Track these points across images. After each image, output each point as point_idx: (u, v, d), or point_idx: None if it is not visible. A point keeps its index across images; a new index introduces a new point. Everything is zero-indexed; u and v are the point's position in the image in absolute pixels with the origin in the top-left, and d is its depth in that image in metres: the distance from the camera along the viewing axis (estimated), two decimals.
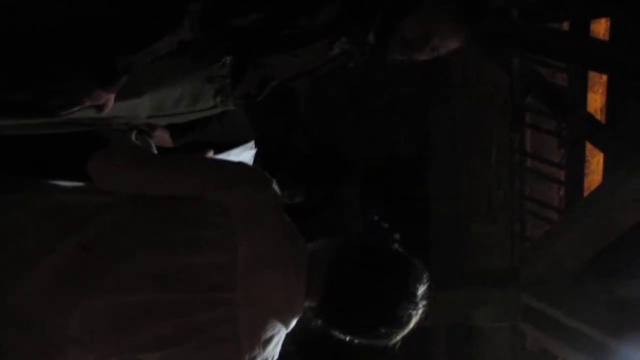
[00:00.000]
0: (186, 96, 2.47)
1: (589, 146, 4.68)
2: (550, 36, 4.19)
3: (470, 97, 5.40)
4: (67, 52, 2.26)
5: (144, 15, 2.25)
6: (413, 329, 1.85)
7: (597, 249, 3.83)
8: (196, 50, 2.38)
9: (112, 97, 2.28)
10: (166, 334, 1.73)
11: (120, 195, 1.87)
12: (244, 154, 2.91)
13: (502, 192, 5.53)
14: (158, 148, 2.30)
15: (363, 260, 1.86)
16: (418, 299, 1.81)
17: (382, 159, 5.91)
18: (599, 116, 4.63)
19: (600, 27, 4.45)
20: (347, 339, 1.87)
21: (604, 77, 4.51)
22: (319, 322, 1.88)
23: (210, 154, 2.71)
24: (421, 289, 1.83)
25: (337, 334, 1.88)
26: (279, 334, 1.85)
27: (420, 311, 1.82)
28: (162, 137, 2.62)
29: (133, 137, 2.02)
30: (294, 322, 1.87)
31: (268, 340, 1.82)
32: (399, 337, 1.84)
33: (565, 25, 4.59)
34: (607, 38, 4.42)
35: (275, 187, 1.88)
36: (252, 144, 2.97)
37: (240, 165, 2.08)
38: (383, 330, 1.82)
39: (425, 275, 1.85)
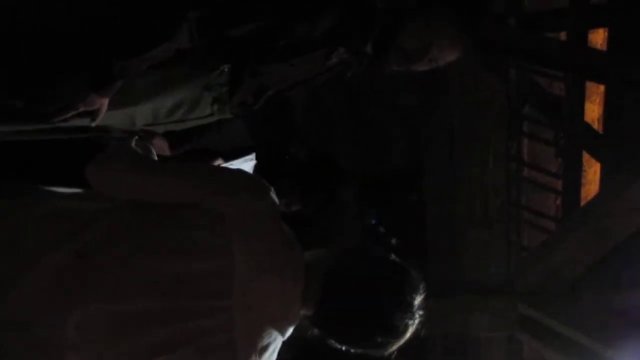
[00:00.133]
0: (184, 104, 2.48)
1: (586, 156, 4.68)
2: (548, 46, 4.20)
3: (468, 106, 5.40)
4: (64, 54, 2.26)
5: (143, 20, 2.26)
6: (409, 338, 1.85)
7: (594, 258, 3.83)
8: (194, 58, 2.38)
9: (105, 102, 2.28)
10: (162, 340, 1.73)
11: (118, 201, 1.87)
12: (245, 165, 2.91)
13: (499, 201, 5.52)
14: (158, 156, 2.30)
15: (360, 269, 1.86)
16: (415, 309, 1.82)
17: (379, 166, 5.91)
18: (596, 126, 4.63)
19: (598, 37, 4.45)
20: (343, 348, 1.87)
21: (602, 87, 4.51)
22: (315, 331, 1.88)
23: (219, 162, 2.71)
24: (418, 299, 1.83)
25: (333, 343, 1.88)
26: (275, 342, 1.85)
27: (417, 321, 1.82)
28: (161, 146, 2.62)
29: (133, 143, 2.02)
30: (290, 330, 1.88)
31: (264, 348, 1.82)
32: (395, 347, 1.84)
33: (563, 35, 4.59)
34: (604, 48, 4.42)
35: (273, 195, 1.88)
36: (252, 155, 2.97)
37: (239, 172, 2.08)
38: (379, 340, 1.82)
39: (422, 286, 1.85)
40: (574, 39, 4.32)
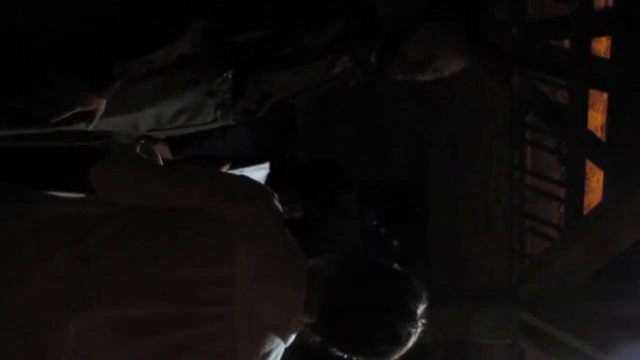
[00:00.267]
0: (187, 110, 2.47)
1: (589, 164, 4.67)
2: (552, 54, 4.20)
3: (471, 113, 5.40)
4: (64, 54, 2.25)
5: (144, 21, 2.26)
6: (412, 346, 1.85)
7: (596, 266, 3.83)
8: (198, 64, 2.38)
9: (103, 103, 2.27)
10: (163, 346, 1.73)
11: (121, 206, 1.87)
12: (257, 173, 2.91)
13: (502, 209, 5.52)
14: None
15: (363, 277, 1.86)
16: (418, 317, 1.81)
17: (381, 174, 5.91)
18: (600, 134, 4.63)
19: (602, 45, 4.45)
20: (346, 356, 1.87)
21: (605, 95, 4.50)
22: (317, 338, 1.87)
23: (226, 169, 2.71)
24: (421, 307, 1.83)
25: (335, 351, 1.87)
26: (277, 349, 1.85)
27: (419, 329, 1.82)
28: (163, 151, 2.61)
29: (138, 148, 2.02)
30: (292, 338, 1.87)
31: (266, 355, 1.82)
32: (397, 355, 1.84)
33: (567, 43, 4.59)
34: (608, 56, 4.42)
35: (277, 201, 1.88)
36: (267, 164, 2.96)
37: (242, 178, 2.08)
38: (382, 348, 1.82)
39: (424, 293, 1.85)
40: (577, 47, 4.31)
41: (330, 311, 1.83)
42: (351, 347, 1.86)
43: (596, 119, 4.64)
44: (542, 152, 5.13)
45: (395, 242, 5.74)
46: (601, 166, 4.42)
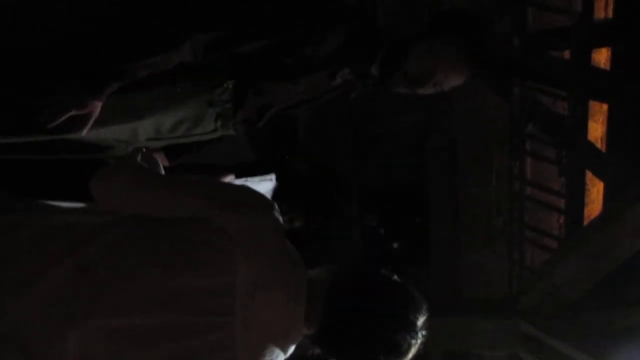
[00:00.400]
0: (187, 120, 2.47)
1: (589, 175, 4.66)
2: (552, 64, 4.20)
3: (471, 124, 5.40)
4: (63, 54, 2.25)
5: (145, 25, 2.25)
6: (412, 358, 1.84)
7: (597, 278, 3.82)
8: (199, 73, 2.38)
9: (98, 106, 2.26)
10: (163, 357, 1.73)
11: (121, 215, 1.87)
12: (261, 185, 2.90)
13: (501, 219, 5.51)
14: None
15: (363, 289, 1.86)
16: (418, 329, 1.81)
17: (381, 184, 5.90)
18: (600, 145, 4.62)
19: (602, 56, 4.45)
20: None
21: (605, 106, 4.49)
22: (317, 350, 1.87)
23: (230, 179, 2.70)
24: (421, 319, 1.83)
25: None
26: None
27: (419, 340, 1.82)
28: (160, 160, 2.61)
29: (139, 157, 2.02)
30: (292, 349, 1.87)
31: None
32: None
33: (567, 54, 4.59)
34: (608, 67, 4.42)
35: (277, 211, 1.88)
36: (272, 176, 2.96)
37: (243, 188, 2.08)
38: None
39: (424, 305, 1.85)
40: (577, 58, 4.32)
41: (330, 322, 1.82)
42: (351, 358, 1.86)
43: (596, 130, 4.63)
44: (542, 162, 5.13)
45: (395, 252, 5.73)
46: (601, 177, 4.42)
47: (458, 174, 5.54)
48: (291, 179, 3.16)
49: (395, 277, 1.90)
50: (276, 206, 1.90)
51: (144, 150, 2.18)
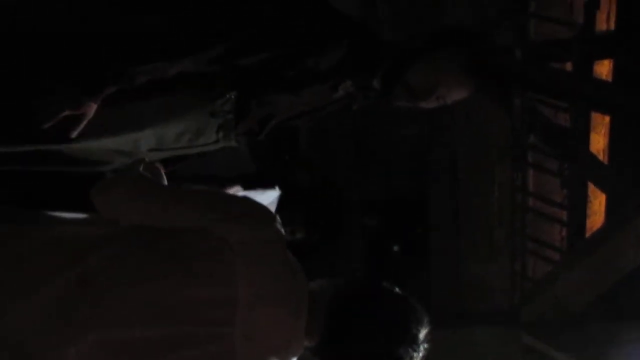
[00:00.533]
0: (189, 130, 2.47)
1: (591, 187, 4.67)
2: (554, 76, 4.21)
3: (473, 136, 5.40)
4: (62, 54, 2.24)
5: (145, 30, 2.25)
6: None
7: (599, 290, 3.82)
8: (201, 84, 2.37)
9: (93, 108, 2.24)
10: None
11: (122, 226, 1.87)
12: (266, 197, 2.89)
13: (504, 231, 5.50)
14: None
15: (365, 301, 1.85)
16: (420, 342, 1.81)
17: (383, 196, 5.90)
18: (602, 157, 4.62)
19: (604, 68, 4.45)
20: None
21: (607, 118, 4.50)
22: None
23: (236, 190, 2.70)
24: (423, 332, 1.82)
25: None
26: None
27: (421, 353, 1.81)
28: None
29: (141, 167, 2.01)
30: None
31: None
32: None
33: (569, 66, 4.60)
34: (610, 79, 4.43)
35: (278, 223, 1.87)
36: (276, 189, 2.95)
37: (244, 199, 2.08)
38: None
39: (426, 318, 1.84)
40: (579, 70, 4.32)
41: (331, 335, 1.82)
42: None
43: (598, 142, 4.64)
44: (544, 174, 5.13)
45: (396, 263, 5.73)
46: (603, 189, 4.42)
47: (460, 185, 5.53)
48: (293, 190, 3.16)
49: (397, 289, 1.89)
50: (278, 217, 1.89)
51: (146, 160, 2.17)
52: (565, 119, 4.82)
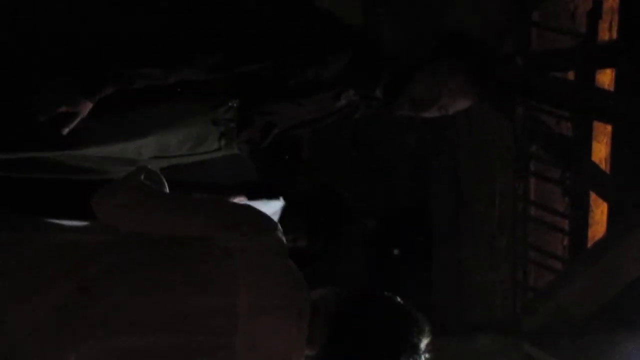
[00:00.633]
0: (191, 138, 2.47)
1: (593, 196, 4.66)
2: (556, 85, 4.21)
3: (474, 144, 5.40)
4: (62, 52, 2.23)
5: (145, 32, 2.24)
6: None
7: (601, 299, 3.81)
8: (202, 92, 2.37)
9: (88, 106, 2.23)
10: None
11: (123, 234, 1.87)
12: (270, 206, 2.89)
13: (505, 240, 5.50)
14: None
15: (366, 311, 1.85)
16: (421, 352, 1.80)
17: (385, 205, 5.90)
18: (604, 166, 4.62)
19: (606, 78, 4.46)
20: None
21: (609, 127, 4.51)
22: None
23: (240, 200, 2.69)
24: (424, 342, 1.82)
25: None
26: None
27: None
28: None
29: (142, 176, 2.00)
30: None
31: None
32: None
33: (571, 75, 4.60)
34: (612, 88, 4.43)
35: (280, 232, 1.87)
36: (280, 199, 2.95)
37: (246, 208, 2.07)
38: None
39: (428, 328, 1.84)
40: (581, 79, 4.33)
41: (332, 345, 1.82)
42: None
43: (600, 151, 4.64)
44: (546, 183, 5.12)
45: (398, 273, 5.72)
46: (605, 198, 4.42)
47: (462, 194, 5.53)
48: (294, 198, 3.15)
49: (398, 299, 1.89)
50: (279, 226, 1.89)
51: (149, 167, 2.17)
52: (567, 128, 4.83)
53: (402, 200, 5.94)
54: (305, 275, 1.89)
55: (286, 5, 2.41)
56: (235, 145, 2.57)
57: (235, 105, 2.44)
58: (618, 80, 4.35)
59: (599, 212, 4.78)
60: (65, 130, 2.23)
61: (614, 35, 4.39)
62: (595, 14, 4.28)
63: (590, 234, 4.73)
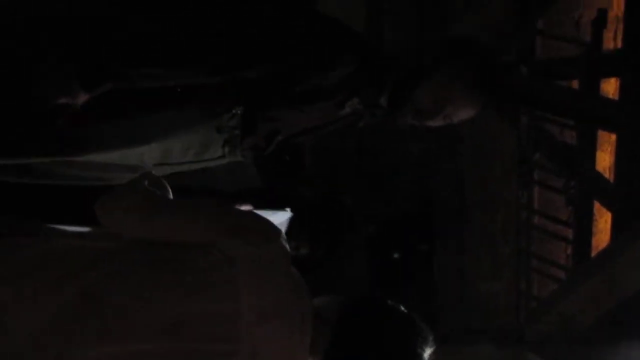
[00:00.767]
0: (195, 145, 2.47)
1: (597, 205, 4.66)
2: (560, 94, 4.21)
3: (478, 153, 5.40)
4: (60, 53, 2.23)
5: (146, 32, 2.24)
6: None
7: (605, 308, 3.80)
8: (207, 98, 2.37)
9: (83, 98, 2.22)
10: None
11: (126, 240, 1.86)
12: (277, 216, 2.88)
13: (509, 249, 5.49)
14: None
15: (369, 319, 1.84)
16: None
17: (388, 213, 5.90)
18: (608, 175, 4.63)
19: (610, 87, 4.46)
20: None
21: (613, 136, 4.51)
22: None
23: (246, 208, 2.69)
24: (427, 351, 1.81)
25: None
26: None
27: None
28: None
29: (146, 182, 2.00)
30: None
31: None
32: None
33: (575, 84, 4.60)
34: (617, 97, 4.43)
35: (284, 239, 1.86)
36: (288, 213, 2.95)
37: (250, 214, 2.07)
38: None
39: (431, 337, 1.84)
40: (586, 88, 4.32)
41: (335, 353, 1.81)
42: None
43: (604, 160, 4.64)
44: (550, 192, 5.12)
45: (401, 281, 5.71)
46: (609, 207, 4.41)
47: (465, 202, 5.53)
48: (297, 205, 3.15)
49: (402, 307, 1.89)
50: (283, 233, 1.89)
51: (153, 173, 2.17)
52: (571, 137, 4.83)
53: (405, 207, 5.93)
54: (307, 282, 1.89)
55: (286, 5, 2.41)
56: (239, 153, 2.56)
57: (239, 112, 2.44)
58: (622, 89, 4.34)
59: (603, 221, 4.78)
60: (60, 122, 2.23)
61: (619, 44, 4.39)
62: (600, 22, 4.28)
63: (594, 243, 4.72)
